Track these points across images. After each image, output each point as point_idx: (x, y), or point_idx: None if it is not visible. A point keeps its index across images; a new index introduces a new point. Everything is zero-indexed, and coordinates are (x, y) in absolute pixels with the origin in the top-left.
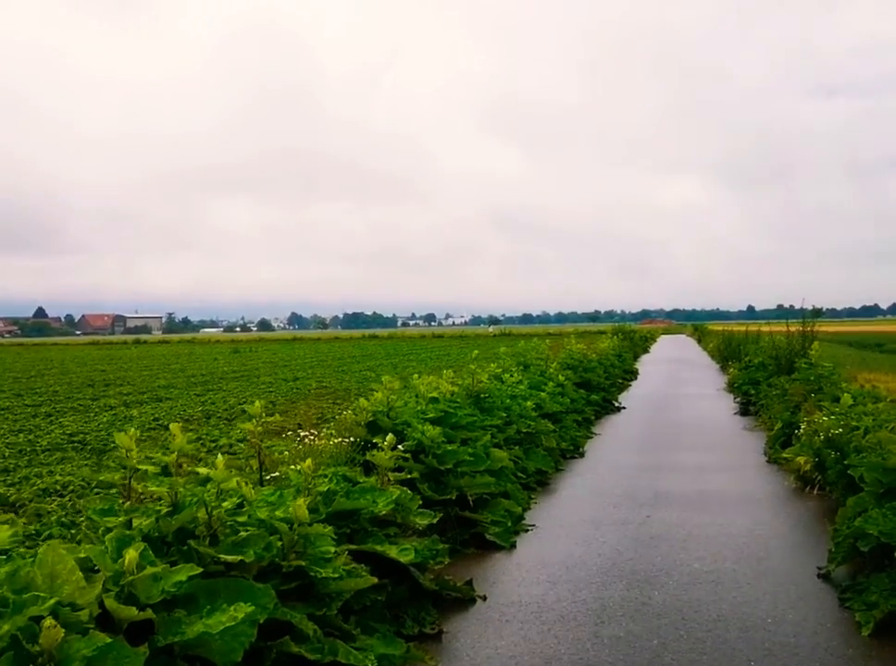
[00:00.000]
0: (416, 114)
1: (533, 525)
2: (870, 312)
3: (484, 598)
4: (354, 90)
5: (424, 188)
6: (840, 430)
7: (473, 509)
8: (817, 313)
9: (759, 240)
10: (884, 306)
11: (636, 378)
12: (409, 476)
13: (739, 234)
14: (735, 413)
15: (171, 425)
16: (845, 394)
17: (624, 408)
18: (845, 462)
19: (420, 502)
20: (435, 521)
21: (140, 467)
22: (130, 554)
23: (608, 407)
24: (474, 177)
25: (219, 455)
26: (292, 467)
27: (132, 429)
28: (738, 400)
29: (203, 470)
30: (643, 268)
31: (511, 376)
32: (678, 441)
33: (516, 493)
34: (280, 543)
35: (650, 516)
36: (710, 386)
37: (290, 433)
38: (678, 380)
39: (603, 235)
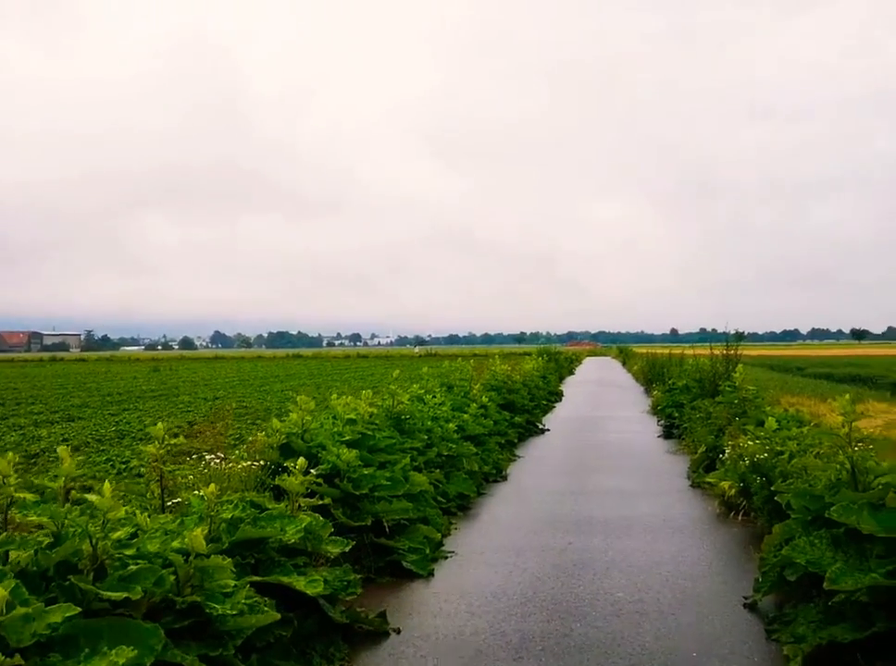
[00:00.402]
0: (344, 133)
1: (453, 552)
2: (791, 336)
3: (398, 631)
4: (282, 108)
5: (352, 208)
6: (766, 455)
7: (389, 535)
8: (740, 337)
9: (683, 265)
10: (804, 331)
11: (561, 400)
12: (322, 502)
13: (663, 258)
14: (659, 436)
15: (59, 449)
16: (770, 418)
17: (548, 430)
18: (772, 488)
19: (332, 530)
20: (348, 549)
21: (17, 495)
22: None
23: (532, 429)
24: (402, 197)
25: (106, 482)
26: (195, 493)
27: (10, 454)
28: (661, 422)
29: (92, 497)
30: (570, 290)
31: (433, 397)
32: (602, 465)
33: (435, 519)
34: (173, 577)
35: (572, 543)
36: (634, 408)
37: (202, 456)
38: (602, 402)
39: (531, 257)
